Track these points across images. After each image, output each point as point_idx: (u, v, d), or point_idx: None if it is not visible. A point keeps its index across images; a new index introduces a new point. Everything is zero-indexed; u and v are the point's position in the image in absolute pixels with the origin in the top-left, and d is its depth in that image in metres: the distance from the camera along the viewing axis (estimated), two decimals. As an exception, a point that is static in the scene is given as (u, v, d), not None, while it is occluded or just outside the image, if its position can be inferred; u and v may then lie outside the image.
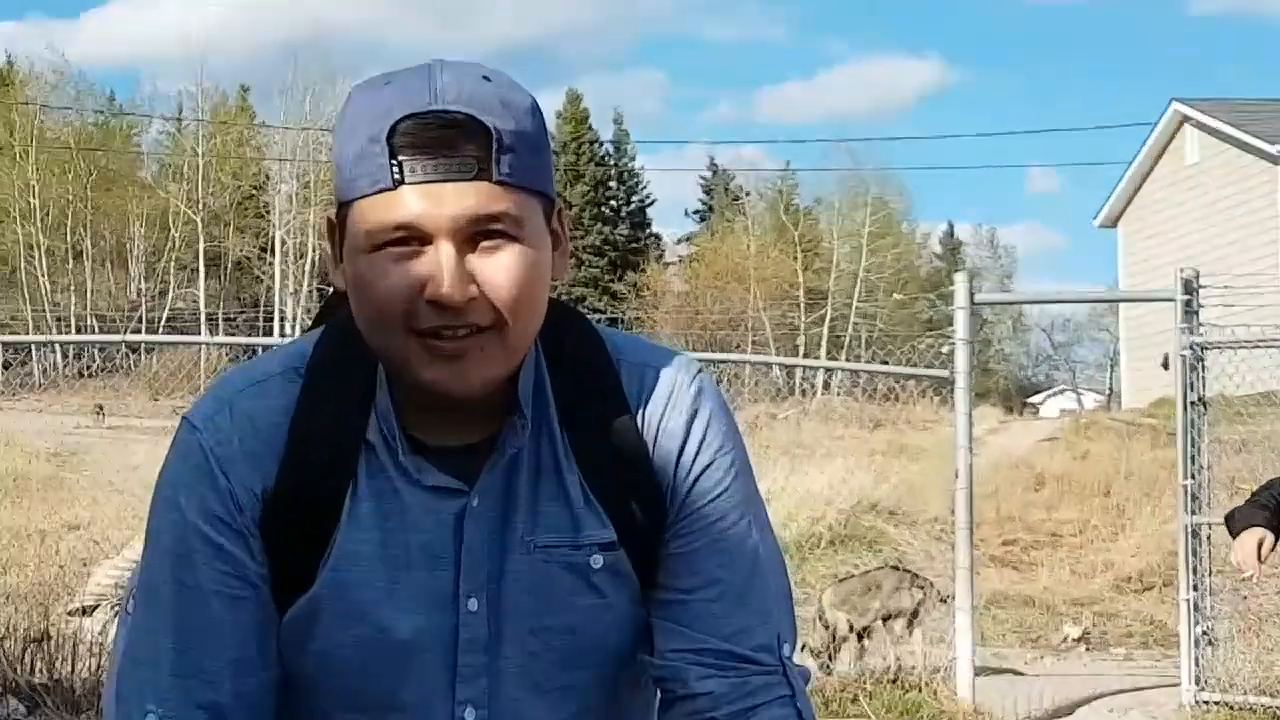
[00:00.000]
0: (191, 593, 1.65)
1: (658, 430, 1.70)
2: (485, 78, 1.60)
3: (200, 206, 53.05)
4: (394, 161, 1.56)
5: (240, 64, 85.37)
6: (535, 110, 1.62)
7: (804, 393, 36.73)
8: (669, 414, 1.71)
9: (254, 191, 55.66)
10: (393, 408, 1.65)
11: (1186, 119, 30.21)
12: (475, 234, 1.57)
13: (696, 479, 1.70)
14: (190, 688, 1.65)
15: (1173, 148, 30.97)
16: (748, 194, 62.16)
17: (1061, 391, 56.29)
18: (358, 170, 1.58)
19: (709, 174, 66.28)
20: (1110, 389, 42.48)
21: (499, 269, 1.57)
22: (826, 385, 37.30)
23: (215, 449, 1.66)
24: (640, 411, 1.70)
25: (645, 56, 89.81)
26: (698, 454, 1.70)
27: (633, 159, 65.80)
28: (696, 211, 67.05)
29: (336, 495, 1.65)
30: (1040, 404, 53.43)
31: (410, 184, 1.56)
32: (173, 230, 53.38)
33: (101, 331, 41.85)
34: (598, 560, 1.68)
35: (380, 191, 1.57)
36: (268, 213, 54.40)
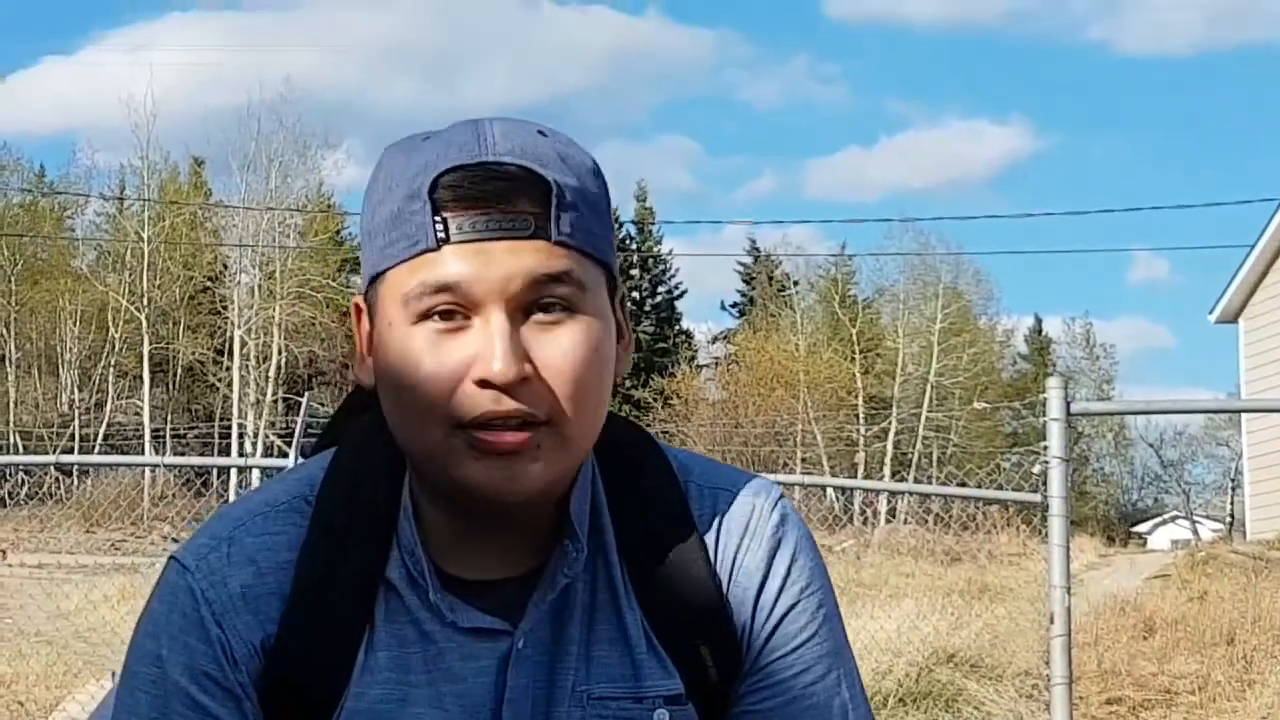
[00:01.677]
0: None
1: (734, 565, 1.70)
2: (541, 132, 1.61)
3: (145, 302, 53.32)
4: (437, 218, 1.56)
5: (194, 133, 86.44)
6: (597, 171, 1.64)
7: (865, 520, 36.64)
8: (747, 546, 1.70)
9: (209, 284, 55.93)
10: (419, 539, 1.64)
11: (1319, 193, 30.30)
12: (531, 303, 1.56)
13: (779, 623, 1.70)
14: None
15: (1306, 228, 31.08)
16: (796, 283, 62.28)
17: (1173, 519, 56.01)
18: (394, 234, 1.58)
19: (749, 260, 66.56)
20: (1231, 516, 42.23)
21: (558, 347, 1.57)
22: (892, 511, 37.25)
23: (208, 593, 1.64)
24: (713, 542, 1.70)
25: (674, 122, 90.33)
26: (780, 593, 1.70)
27: (659, 242, 66.18)
28: (735, 304, 67.36)
29: (349, 645, 1.63)
30: (1148, 534, 53.23)
31: (456, 242, 1.56)
32: (112, 330, 53.65)
33: (27, 451, 41.96)
34: (663, 716, 1.67)
35: (421, 253, 1.57)
36: (225, 309, 54.61)
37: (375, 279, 1.61)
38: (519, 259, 1.55)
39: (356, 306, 1.67)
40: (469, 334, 1.56)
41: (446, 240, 1.55)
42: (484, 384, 1.54)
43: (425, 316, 1.56)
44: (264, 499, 1.71)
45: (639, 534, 1.68)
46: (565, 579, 1.65)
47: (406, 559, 1.64)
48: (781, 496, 1.74)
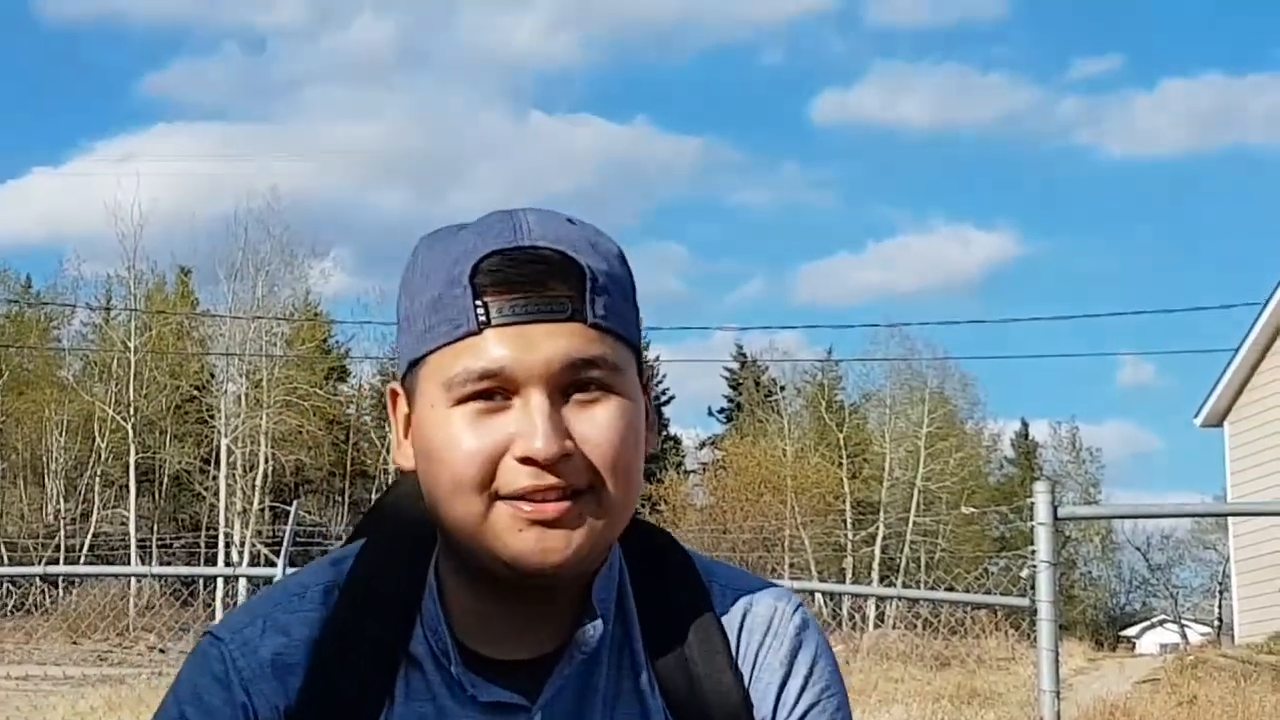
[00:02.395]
0: None
1: (756, 661, 1.73)
2: (570, 220, 1.67)
3: (131, 411, 53.22)
4: (478, 302, 1.60)
5: (180, 243, 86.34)
6: (624, 258, 1.69)
7: (854, 625, 36.51)
8: (770, 645, 1.74)
9: (195, 393, 55.84)
10: (444, 617, 1.67)
11: (1305, 297, 30.41)
12: (569, 384, 1.60)
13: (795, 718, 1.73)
14: None
15: (1289, 332, 31.14)
16: (782, 389, 62.37)
17: (1161, 623, 55.97)
18: (434, 318, 1.62)
19: (736, 365, 66.62)
20: (1219, 619, 42.20)
21: (596, 424, 1.61)
22: (880, 617, 37.16)
23: (238, 660, 1.67)
24: (736, 640, 1.73)
25: (663, 228, 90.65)
26: (802, 692, 1.73)
27: (647, 348, 66.22)
28: (722, 410, 67.40)
29: (368, 717, 1.66)
30: (1136, 638, 53.14)
31: (497, 325, 1.59)
32: (98, 439, 53.55)
33: (12, 562, 41.77)
34: None
35: (463, 337, 1.60)
36: (212, 418, 54.47)
37: (416, 363, 1.65)
38: (557, 342, 1.59)
39: (393, 392, 1.71)
40: (510, 413, 1.60)
41: (488, 323, 1.59)
42: (526, 461, 1.58)
43: (468, 399, 1.60)
44: (300, 581, 1.75)
45: (664, 625, 1.71)
46: (582, 655, 1.67)
47: (429, 635, 1.67)
48: (801, 603, 1.78)
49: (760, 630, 1.74)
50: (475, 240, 1.62)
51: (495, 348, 1.59)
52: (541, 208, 1.68)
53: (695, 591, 1.75)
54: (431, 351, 1.62)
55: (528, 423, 1.58)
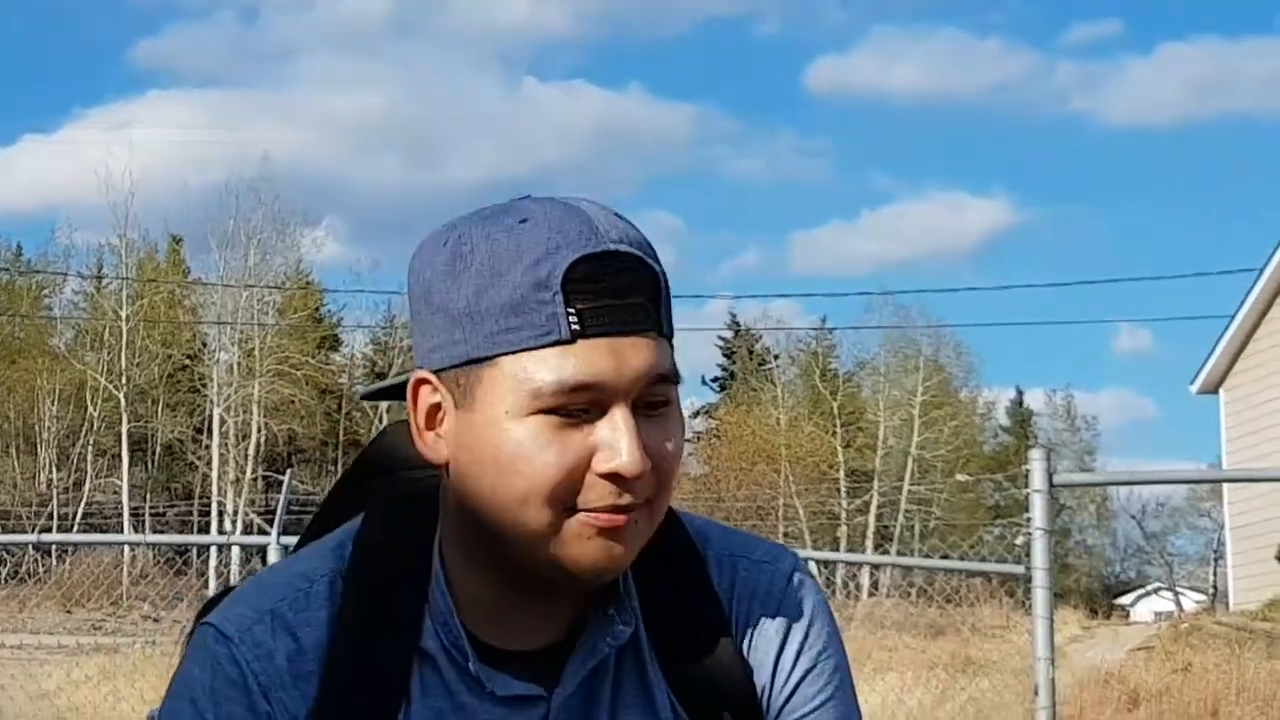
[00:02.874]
0: None
1: (753, 629, 1.73)
2: (616, 214, 1.64)
3: (123, 380, 53.26)
4: (570, 310, 1.56)
5: (172, 211, 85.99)
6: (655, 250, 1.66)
7: (848, 594, 36.63)
8: (765, 612, 1.74)
9: (187, 362, 55.87)
10: (455, 608, 1.65)
11: (1300, 265, 30.40)
12: (643, 398, 1.59)
13: (797, 686, 1.73)
14: None
15: (1283, 299, 31.15)
16: (776, 357, 62.39)
17: (1156, 590, 55.93)
18: (515, 320, 1.56)
19: (730, 334, 66.56)
20: (1215, 587, 42.20)
21: (665, 439, 1.61)
22: (875, 585, 37.25)
23: (253, 665, 1.63)
24: (732, 608, 1.73)
25: (657, 198, 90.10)
26: (799, 657, 1.73)
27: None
28: (716, 379, 67.35)
29: (389, 715, 1.64)
30: (1131, 606, 53.16)
31: (591, 335, 1.56)
32: (90, 409, 53.57)
33: (5, 530, 41.76)
34: None
35: (553, 344, 1.56)
36: (204, 387, 54.51)
37: (478, 362, 1.59)
38: (643, 356, 1.58)
39: (423, 380, 1.64)
40: (591, 426, 1.58)
41: (582, 334, 1.56)
42: (611, 476, 1.57)
43: (553, 410, 1.57)
44: (301, 572, 1.71)
45: (662, 602, 1.71)
46: (609, 648, 1.67)
47: (440, 630, 1.65)
48: (798, 562, 1.78)
49: (757, 597, 1.74)
50: (555, 238, 1.58)
51: (588, 361, 1.56)
52: (593, 200, 1.65)
53: (692, 563, 1.74)
54: (506, 354, 1.58)
55: (614, 437, 1.57)
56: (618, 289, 1.57)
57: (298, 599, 1.67)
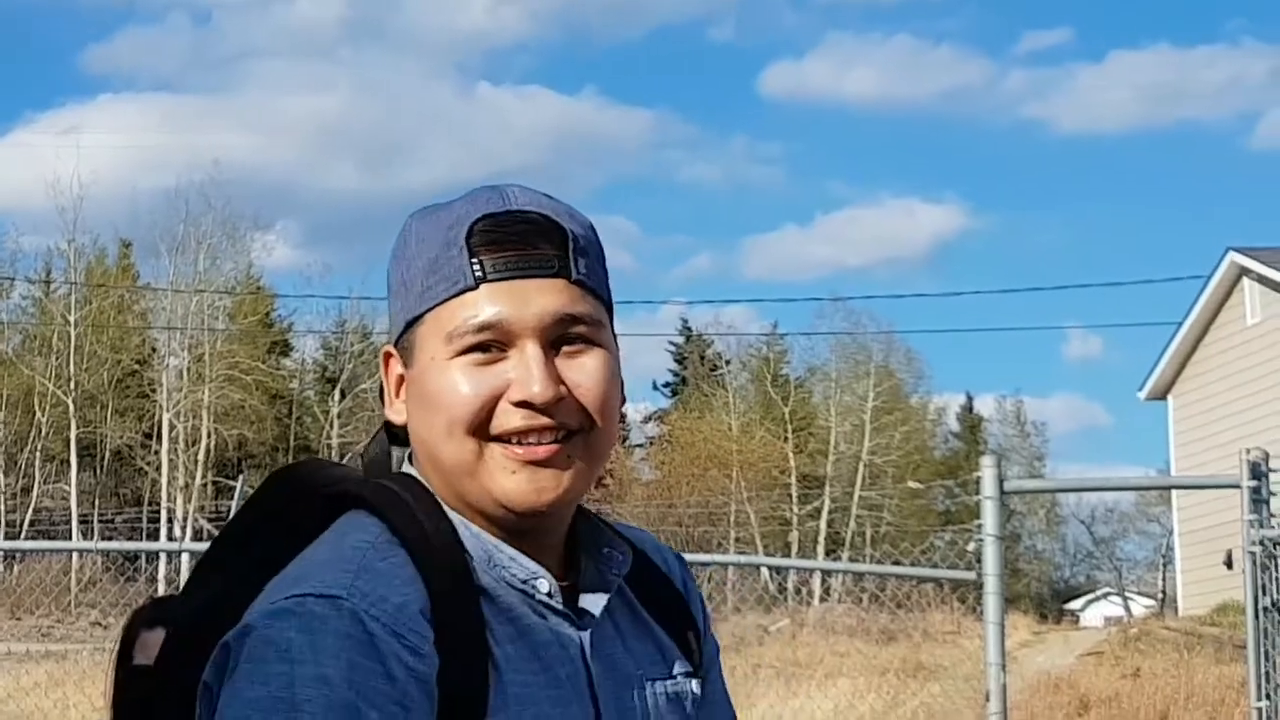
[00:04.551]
0: None
1: (677, 579, 1.99)
2: (546, 195, 1.80)
3: (71, 386, 53.03)
4: (474, 260, 1.73)
5: (122, 216, 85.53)
6: (595, 229, 1.83)
7: (800, 599, 36.62)
8: (682, 575, 1.99)
9: (136, 367, 55.64)
10: (497, 545, 1.76)
11: (1246, 271, 30.51)
12: (558, 337, 1.73)
13: (707, 628, 1.98)
14: None
15: (1230, 305, 31.26)
16: (727, 362, 62.41)
17: (1106, 596, 56.27)
18: (432, 278, 1.74)
19: (681, 339, 66.62)
20: (1163, 592, 42.44)
21: (585, 371, 1.74)
22: (826, 591, 37.21)
23: (372, 610, 1.63)
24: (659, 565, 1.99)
25: (611, 203, 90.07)
26: (705, 608, 2.00)
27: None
28: (667, 384, 67.42)
29: (486, 646, 1.69)
30: (1081, 611, 53.41)
31: (492, 280, 1.72)
32: (38, 414, 53.29)
33: (-49, 536, 41.50)
34: (695, 686, 1.90)
35: (461, 292, 1.73)
36: (153, 392, 54.31)
37: (413, 322, 1.76)
38: (548, 297, 1.73)
39: (387, 354, 1.81)
40: (506, 362, 1.72)
41: (484, 279, 1.72)
42: (523, 404, 1.71)
43: (467, 351, 1.72)
44: (353, 543, 1.71)
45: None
46: (617, 577, 1.84)
47: (484, 568, 1.74)
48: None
49: (664, 553, 2.00)
50: (466, 207, 1.75)
51: (491, 302, 1.71)
52: (530, 188, 1.81)
53: (609, 526, 1.91)
54: (430, 309, 1.74)
55: (524, 370, 1.71)
56: (521, 238, 1.73)
57: (371, 552, 1.69)
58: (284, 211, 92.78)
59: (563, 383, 1.72)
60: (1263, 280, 30.05)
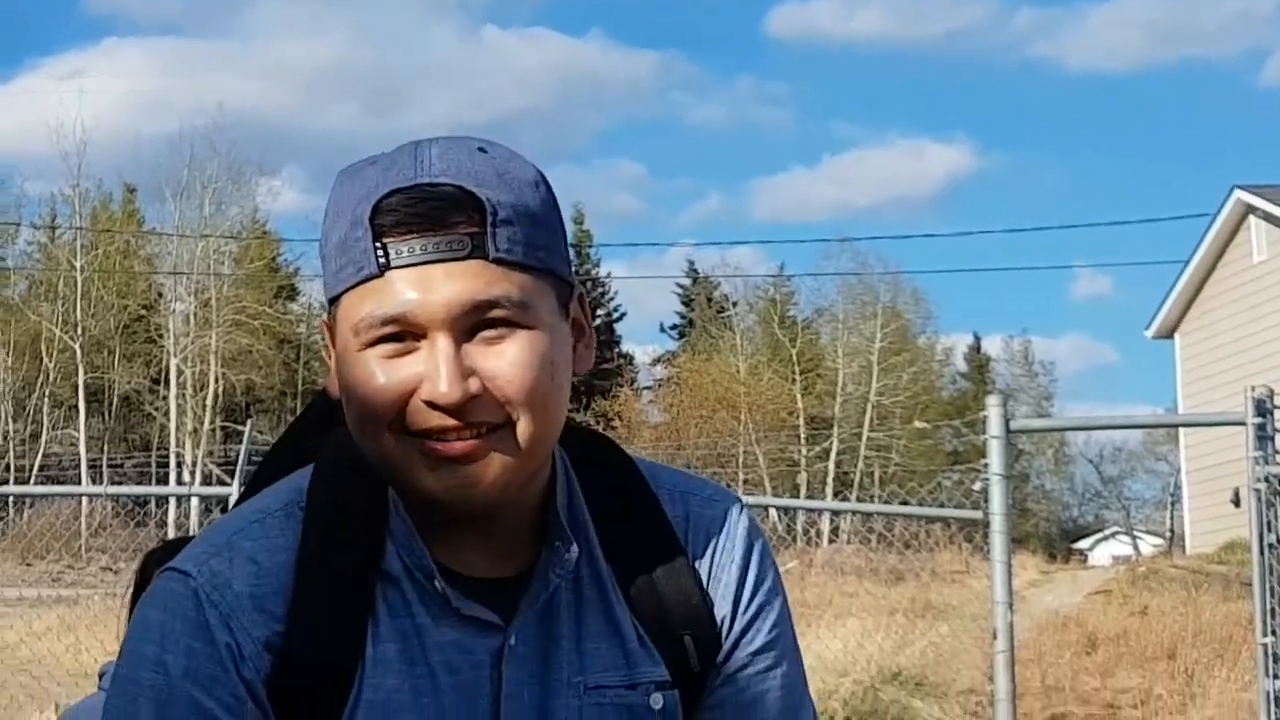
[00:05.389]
0: None
1: (713, 564, 1.79)
2: (481, 149, 1.66)
3: (79, 331, 52.90)
4: (378, 244, 1.60)
5: (126, 160, 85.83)
6: (540, 182, 1.68)
7: (808, 540, 36.66)
8: (724, 548, 1.79)
9: (143, 312, 55.50)
10: (415, 531, 1.67)
11: (1252, 209, 30.41)
12: (473, 324, 1.61)
13: (752, 620, 1.79)
14: None
15: (1236, 243, 31.19)
16: (734, 305, 62.20)
17: (1114, 535, 56.20)
18: (342, 260, 1.64)
19: (688, 281, 66.44)
20: (1171, 531, 42.39)
21: (503, 361, 1.61)
22: (835, 531, 37.33)
23: (212, 595, 1.64)
24: (687, 538, 1.78)
25: (618, 146, 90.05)
26: (755, 594, 1.79)
27: (597, 265, 65.96)
28: (674, 326, 67.23)
29: (357, 639, 1.65)
30: (1089, 550, 53.36)
31: (397, 268, 1.60)
32: (46, 360, 53.20)
33: (-38, 482, 41.56)
34: (657, 700, 1.73)
35: (366, 280, 1.62)
36: (160, 337, 54.20)
37: (332, 303, 1.67)
38: (458, 284, 1.60)
39: (326, 324, 1.71)
40: (417, 354, 1.61)
41: (388, 266, 1.60)
42: (431, 404, 1.60)
43: (375, 343, 1.62)
44: (256, 507, 1.72)
45: (620, 533, 1.75)
46: (558, 578, 1.71)
47: (402, 552, 1.68)
48: (744, 503, 1.83)
49: (714, 534, 1.79)
50: (377, 179, 1.63)
51: (396, 292, 1.60)
52: (454, 136, 1.69)
53: (645, 498, 1.77)
54: (343, 293, 1.64)
55: (432, 366, 1.60)
56: (430, 219, 1.60)
57: (252, 529, 1.69)
58: (290, 156, 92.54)
59: (475, 375, 1.60)
60: (1269, 218, 29.95)
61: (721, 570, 1.78)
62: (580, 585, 1.73)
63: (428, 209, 1.60)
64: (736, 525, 1.80)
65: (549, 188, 1.69)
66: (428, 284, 1.59)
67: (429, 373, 1.60)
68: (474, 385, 1.60)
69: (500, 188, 1.62)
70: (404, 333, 1.61)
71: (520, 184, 1.64)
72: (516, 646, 1.69)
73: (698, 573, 1.77)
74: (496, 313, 1.61)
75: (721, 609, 1.77)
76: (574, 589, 1.72)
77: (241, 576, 1.65)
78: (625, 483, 1.78)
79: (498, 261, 1.60)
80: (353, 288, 1.62)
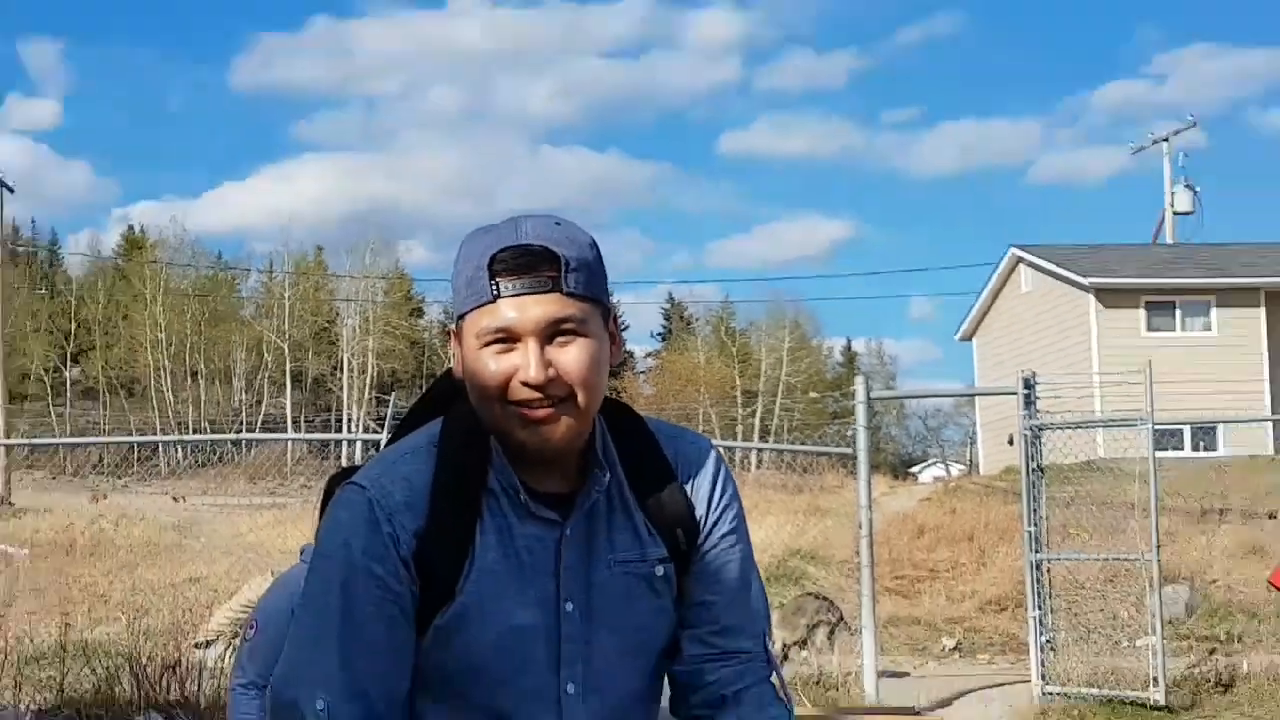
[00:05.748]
0: (355, 615, 1.61)
1: (694, 481, 1.74)
2: (557, 223, 1.63)
3: (286, 337, 52.99)
4: (493, 282, 1.58)
5: (315, 229, 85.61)
6: (593, 245, 1.65)
7: (744, 468, 36.74)
8: (702, 474, 1.75)
9: (327, 325, 55.59)
10: (509, 465, 1.65)
11: (1021, 259, 30.42)
12: (552, 333, 1.59)
13: (718, 519, 1.75)
14: (352, 686, 1.60)
15: (1011, 280, 31.16)
16: (697, 319, 62.42)
17: (934, 463, 56.24)
18: (468, 291, 1.61)
19: (668, 306, 66.63)
20: (971, 461, 42.50)
21: (570, 358, 1.59)
22: (759, 463, 37.29)
23: (380, 501, 1.62)
24: (678, 468, 1.74)
25: (628, 222, 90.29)
26: (721, 503, 1.75)
27: (611, 295, 65.69)
28: (659, 333, 67.29)
29: (470, 530, 1.64)
30: (918, 473, 53.36)
31: (504, 297, 1.58)
32: (265, 355, 53.33)
33: (211, 432, 41.60)
34: (659, 570, 1.71)
35: (484, 304, 1.59)
36: (337, 341, 54.29)
37: (460, 318, 1.64)
38: (543, 308, 1.58)
39: (451, 332, 1.69)
40: (515, 352, 1.59)
41: (499, 295, 1.59)
42: (525, 384, 1.59)
43: (489, 344, 1.60)
44: (406, 446, 1.70)
45: (636, 466, 1.72)
46: (597, 494, 1.68)
47: (500, 476, 1.65)
48: (713, 444, 1.81)
49: (695, 464, 1.76)
50: (492, 240, 1.61)
51: (504, 312, 1.58)
52: (539, 213, 1.66)
53: (650, 441, 1.74)
54: (468, 312, 1.61)
55: (525, 359, 1.58)
56: (526, 267, 1.58)
57: (406, 459, 1.67)
58: (418, 228, 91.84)
59: (552, 366, 1.58)
60: (1031, 265, 29.95)
61: (699, 486, 1.75)
62: (610, 498, 1.70)
63: (525, 260, 1.58)
64: (708, 457, 1.77)
65: (598, 247, 1.65)
66: (523, 308, 1.58)
67: (523, 363, 1.58)
68: (551, 372, 1.58)
69: (569, 247, 1.60)
70: (508, 338, 1.59)
71: (581, 245, 1.62)
72: (570, 535, 1.67)
73: (684, 488, 1.73)
74: (566, 326, 1.59)
75: (699, 510, 1.73)
76: (607, 500, 1.70)
77: (399, 489, 1.63)
78: (638, 433, 1.75)
79: (568, 294, 1.59)
80: (475, 308, 1.60)
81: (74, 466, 37.88)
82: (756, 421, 55.10)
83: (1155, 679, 8.51)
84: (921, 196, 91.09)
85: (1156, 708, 8.42)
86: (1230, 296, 27.26)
